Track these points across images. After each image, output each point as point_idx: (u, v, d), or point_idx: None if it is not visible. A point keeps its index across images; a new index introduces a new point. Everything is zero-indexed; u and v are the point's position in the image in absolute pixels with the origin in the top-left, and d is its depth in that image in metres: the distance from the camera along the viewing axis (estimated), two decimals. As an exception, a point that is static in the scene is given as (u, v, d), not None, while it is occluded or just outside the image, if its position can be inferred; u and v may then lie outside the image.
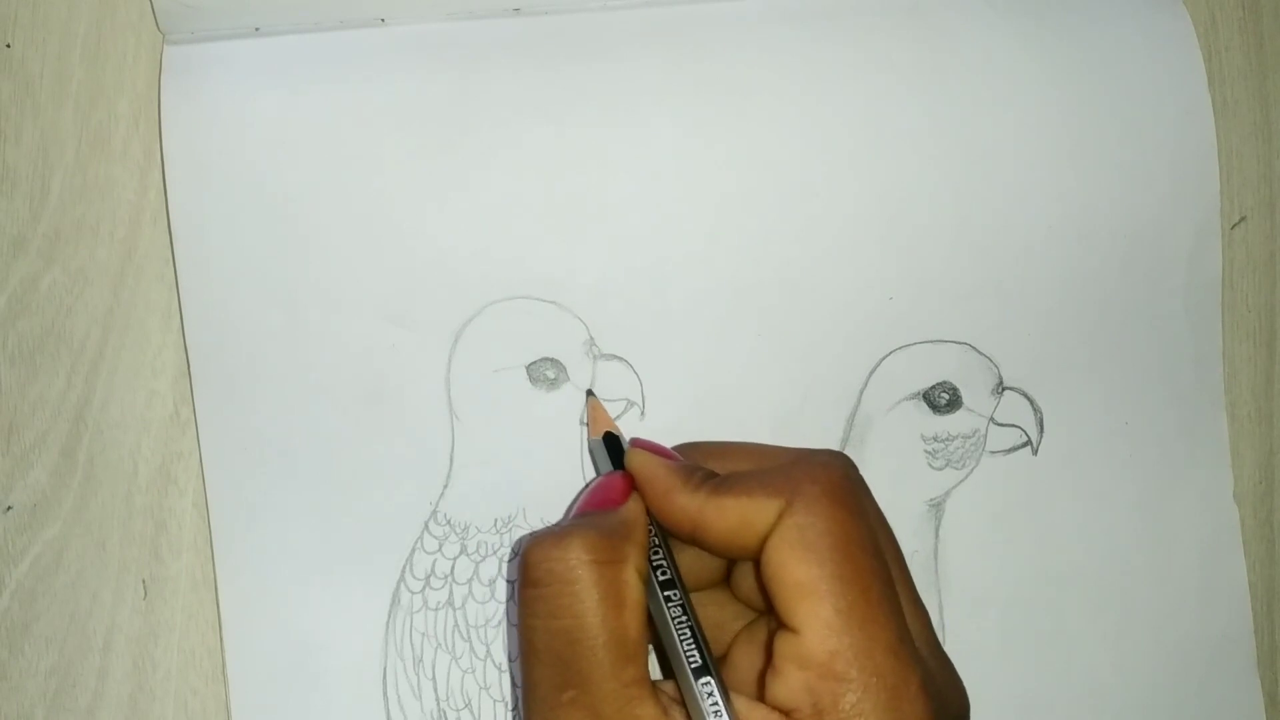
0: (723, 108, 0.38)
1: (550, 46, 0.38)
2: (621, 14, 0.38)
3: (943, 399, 0.38)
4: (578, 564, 0.28)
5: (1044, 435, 0.39)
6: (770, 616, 0.29)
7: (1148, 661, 0.39)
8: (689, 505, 0.30)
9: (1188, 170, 0.41)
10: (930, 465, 0.38)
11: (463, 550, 0.36)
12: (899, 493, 0.38)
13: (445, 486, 0.36)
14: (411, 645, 0.35)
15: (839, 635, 0.27)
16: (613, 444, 0.34)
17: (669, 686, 0.29)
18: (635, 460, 0.32)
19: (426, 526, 0.36)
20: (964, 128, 0.39)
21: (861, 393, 0.38)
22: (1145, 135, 0.41)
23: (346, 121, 0.36)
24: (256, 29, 0.37)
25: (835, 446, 0.38)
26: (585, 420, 0.36)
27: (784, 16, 0.39)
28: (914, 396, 0.38)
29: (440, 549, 0.36)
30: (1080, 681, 0.39)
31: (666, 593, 0.30)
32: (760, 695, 0.28)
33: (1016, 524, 0.39)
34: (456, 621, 0.36)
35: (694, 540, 0.30)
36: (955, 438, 0.38)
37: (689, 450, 0.33)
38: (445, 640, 0.36)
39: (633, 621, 0.28)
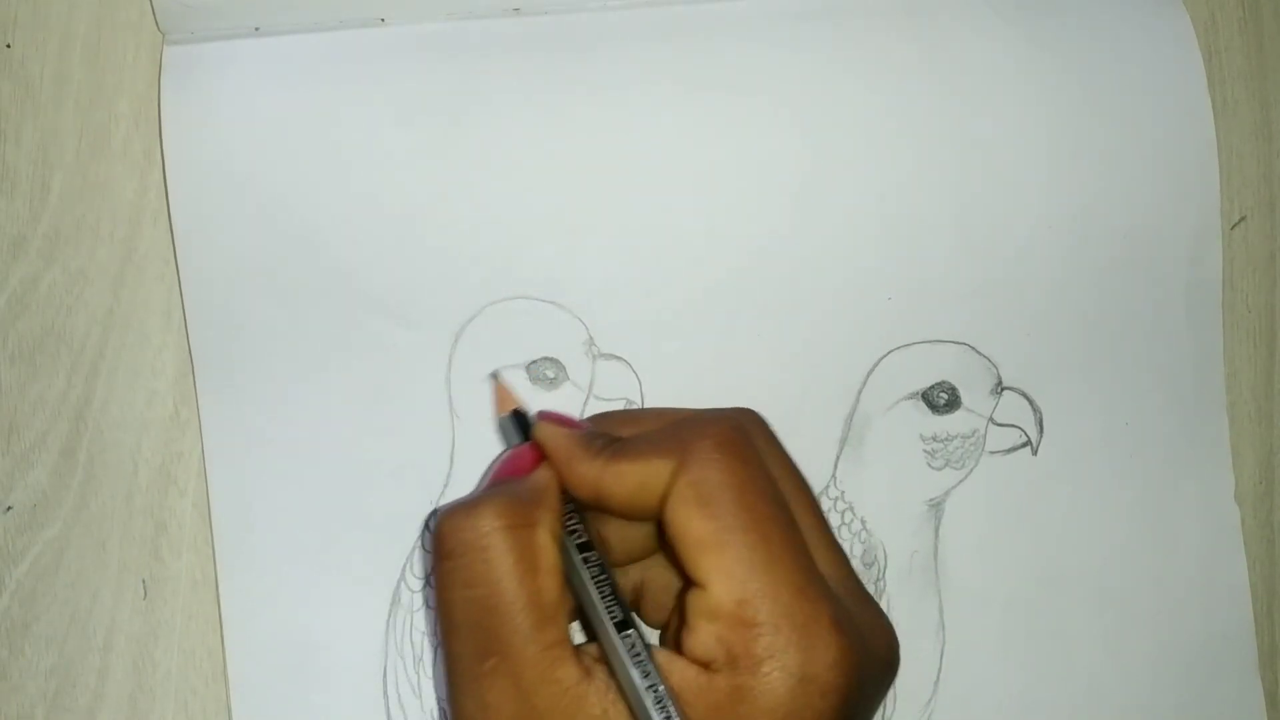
0: (723, 108, 0.38)
1: (550, 46, 0.38)
2: (621, 14, 0.38)
3: (942, 399, 0.38)
4: (489, 531, 0.28)
5: (1044, 435, 0.39)
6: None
7: (1148, 661, 0.39)
8: (589, 472, 0.30)
9: (1188, 170, 0.41)
10: (930, 465, 0.38)
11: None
12: (898, 493, 0.38)
13: (445, 486, 0.36)
14: (412, 644, 0.35)
15: (743, 583, 0.27)
16: (521, 421, 0.34)
17: (591, 648, 0.29)
18: (541, 432, 0.32)
19: (427, 525, 0.36)
20: (964, 128, 0.39)
21: (860, 392, 0.38)
22: (1145, 135, 0.41)
23: (346, 121, 0.37)
24: (256, 29, 0.37)
25: (834, 446, 0.38)
26: (493, 402, 0.36)
27: (784, 16, 0.39)
28: (913, 396, 0.38)
29: (440, 549, 0.36)
30: (1080, 681, 0.39)
31: (584, 555, 0.30)
32: (679, 637, 0.28)
33: (1016, 524, 0.39)
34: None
35: (599, 506, 0.30)
36: (954, 438, 0.38)
37: (602, 420, 0.33)
38: (445, 640, 0.36)
39: (549, 584, 0.28)
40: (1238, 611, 0.40)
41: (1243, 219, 0.42)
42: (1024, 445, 0.39)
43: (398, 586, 0.35)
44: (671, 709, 0.26)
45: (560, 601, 0.28)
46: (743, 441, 0.29)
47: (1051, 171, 0.40)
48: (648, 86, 0.38)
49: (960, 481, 0.39)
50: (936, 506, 0.38)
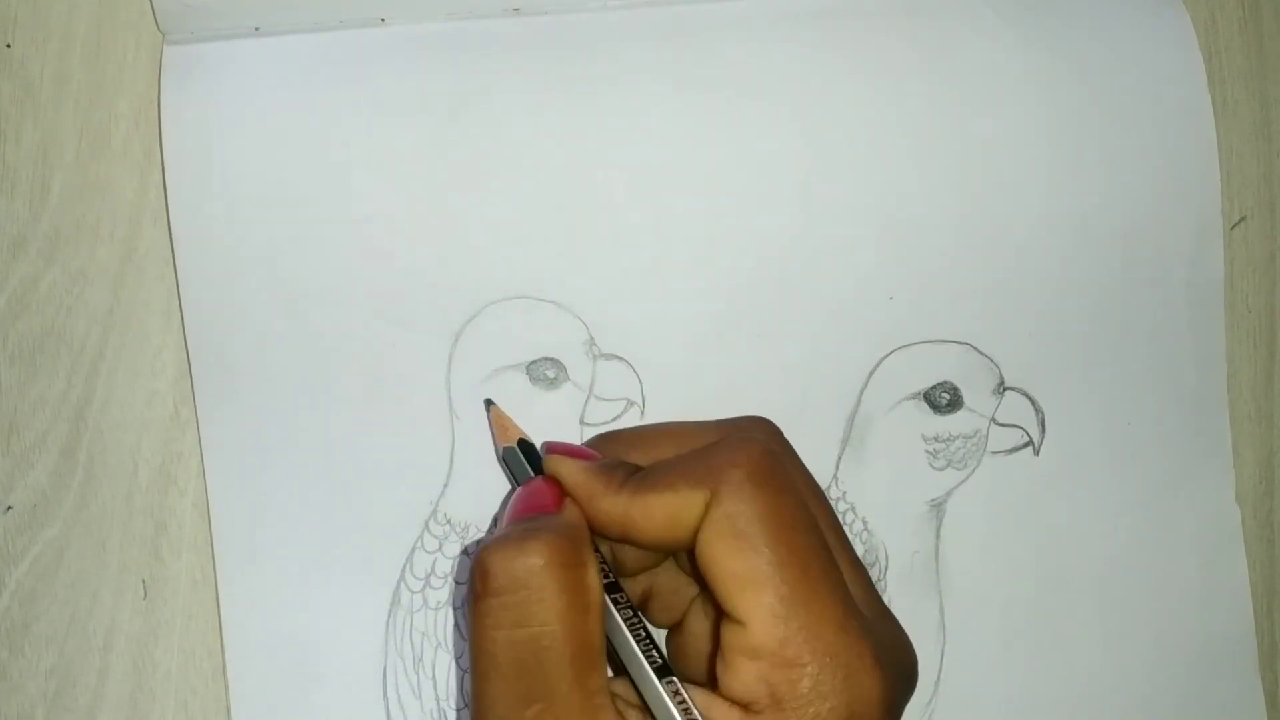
0: (722, 108, 0.38)
1: (550, 46, 0.38)
2: (621, 14, 0.38)
3: (944, 399, 0.38)
4: (543, 569, 0.27)
5: (1045, 436, 0.39)
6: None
7: (1148, 661, 0.39)
8: (614, 509, 0.29)
9: (1188, 170, 0.41)
10: (931, 465, 0.38)
11: (463, 550, 0.36)
12: (900, 493, 0.38)
13: (445, 486, 0.36)
14: (412, 645, 0.35)
15: (785, 621, 0.26)
16: (528, 451, 0.33)
17: (620, 688, 0.28)
18: (557, 466, 0.31)
19: (427, 526, 0.36)
20: (964, 128, 0.39)
21: (862, 393, 0.38)
22: (1146, 135, 0.41)
23: (346, 121, 0.36)
24: (256, 29, 0.37)
25: (836, 446, 0.38)
26: (492, 431, 0.35)
27: (784, 16, 0.39)
28: (915, 396, 0.38)
29: (440, 548, 0.36)
30: (1080, 681, 0.39)
31: (613, 595, 0.29)
32: (714, 671, 0.27)
33: (1018, 524, 0.39)
34: (457, 621, 0.36)
35: (626, 541, 0.29)
36: (956, 438, 0.38)
37: (607, 442, 0.32)
38: (445, 640, 0.36)
39: (596, 627, 0.27)
40: (1238, 612, 0.40)
41: (1243, 219, 0.42)
42: (1026, 445, 0.39)
43: (398, 586, 0.35)
44: None
45: (604, 646, 0.28)
46: (775, 469, 0.28)
47: (1052, 171, 0.40)
48: (648, 86, 0.38)
49: (962, 482, 0.39)
50: (938, 507, 0.38)
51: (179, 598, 0.35)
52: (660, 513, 0.28)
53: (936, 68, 0.40)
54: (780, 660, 0.26)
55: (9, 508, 0.35)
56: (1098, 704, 0.39)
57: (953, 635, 0.38)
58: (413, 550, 0.36)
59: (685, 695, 0.27)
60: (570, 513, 0.30)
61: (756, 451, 0.28)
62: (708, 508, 0.27)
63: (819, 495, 0.30)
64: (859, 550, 0.37)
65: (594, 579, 0.28)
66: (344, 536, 0.35)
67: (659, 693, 0.27)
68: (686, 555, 0.30)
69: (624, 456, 0.31)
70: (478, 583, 0.27)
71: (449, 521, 0.36)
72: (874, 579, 0.37)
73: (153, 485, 0.36)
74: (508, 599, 0.27)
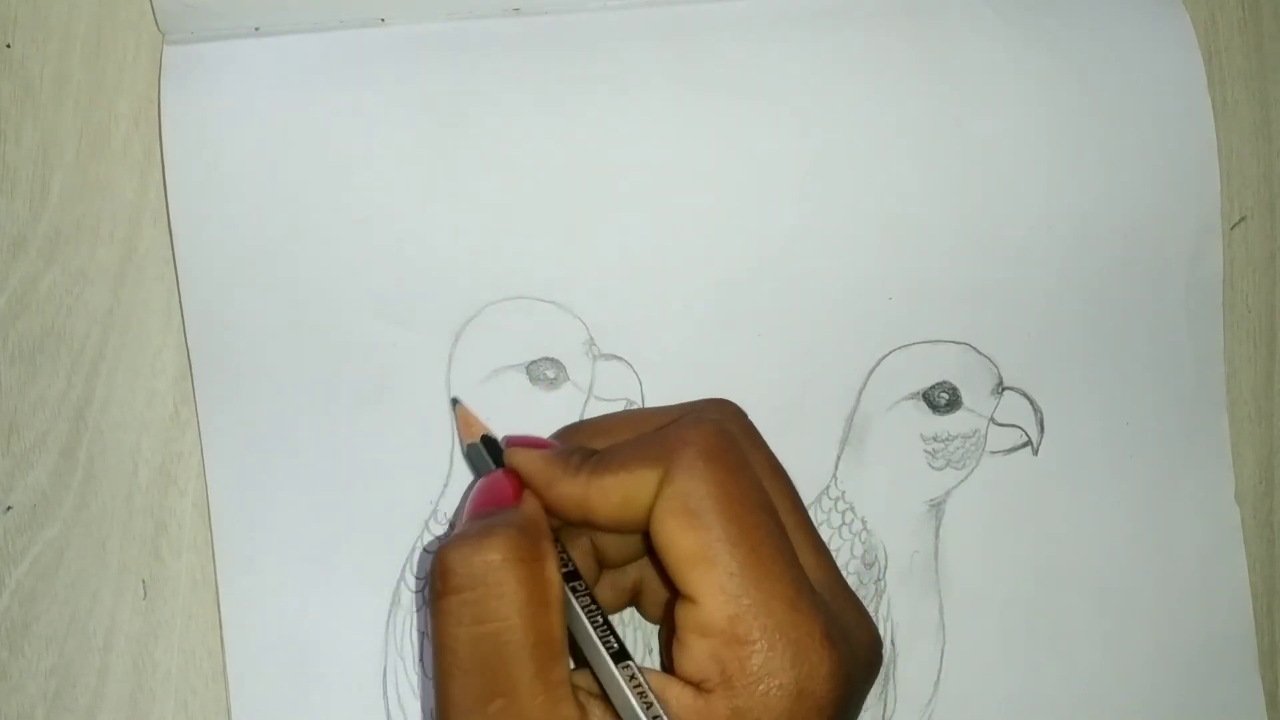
0: (722, 107, 0.38)
1: (550, 46, 0.38)
2: (621, 14, 0.38)
3: (942, 399, 0.38)
4: (502, 564, 0.27)
5: (1044, 435, 0.39)
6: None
7: (1148, 661, 0.39)
8: (573, 492, 0.29)
9: (1188, 171, 0.41)
10: (930, 465, 0.38)
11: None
12: (899, 493, 0.38)
13: (445, 485, 0.36)
14: (412, 644, 0.35)
15: (735, 599, 0.26)
16: (491, 446, 0.33)
17: (583, 680, 0.28)
18: (515, 458, 0.31)
19: (427, 525, 0.36)
20: (964, 128, 0.39)
21: (861, 392, 0.38)
22: (1145, 136, 0.41)
23: (346, 121, 0.37)
24: (256, 29, 0.37)
25: (834, 446, 0.38)
26: (458, 429, 0.36)
27: (784, 16, 0.39)
28: (914, 396, 0.38)
29: (440, 549, 0.36)
30: (1080, 682, 0.39)
31: (571, 584, 0.29)
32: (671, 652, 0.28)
33: (1017, 524, 0.39)
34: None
35: (586, 524, 0.30)
36: (955, 438, 0.38)
37: (571, 432, 0.33)
38: (445, 640, 0.36)
39: (556, 620, 0.27)
40: (1238, 611, 0.40)
41: (1243, 219, 0.42)
42: (1025, 445, 0.39)
43: (397, 586, 0.35)
44: None
45: (564, 638, 0.28)
46: (728, 447, 0.28)
47: (1052, 171, 0.40)
48: (648, 86, 0.38)
49: (961, 481, 0.39)
50: (937, 506, 0.38)
51: (179, 598, 0.35)
52: (616, 493, 0.28)
53: (936, 68, 0.40)
54: (730, 637, 0.26)
55: (9, 508, 0.35)
56: (1097, 704, 0.39)
57: (952, 635, 0.38)
58: (413, 550, 0.36)
59: (640, 677, 0.27)
60: (528, 505, 0.30)
61: (710, 430, 0.28)
62: (660, 485, 0.28)
63: (780, 476, 0.30)
64: (858, 550, 0.38)
65: (553, 572, 0.28)
66: (344, 536, 0.35)
67: (613, 675, 0.27)
68: (643, 537, 0.30)
69: (588, 445, 0.31)
70: (438, 581, 0.27)
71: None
72: (873, 579, 0.37)
73: (153, 485, 0.36)
74: (468, 595, 0.27)
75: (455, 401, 0.36)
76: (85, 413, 0.36)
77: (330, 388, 0.36)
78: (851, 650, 0.27)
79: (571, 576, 0.29)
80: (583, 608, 0.29)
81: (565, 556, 0.30)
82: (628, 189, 0.38)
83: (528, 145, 0.37)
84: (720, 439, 0.28)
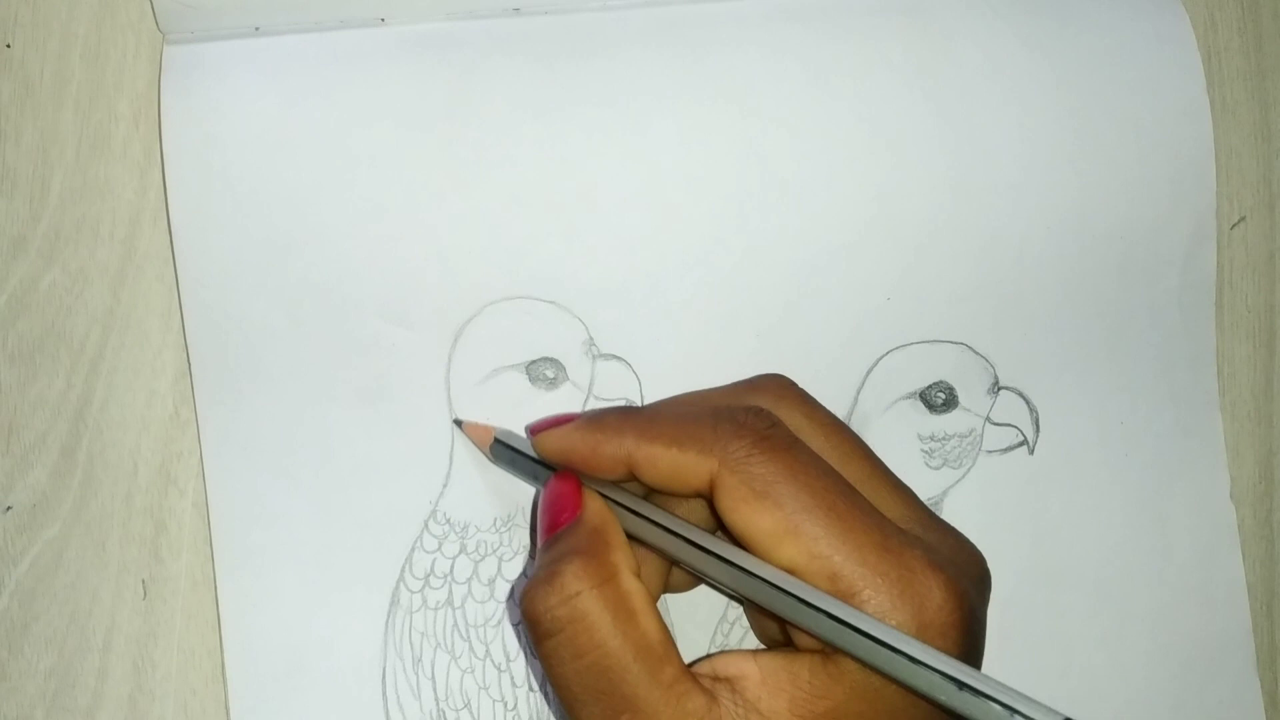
0: (722, 107, 0.38)
1: (550, 46, 0.38)
2: (621, 14, 0.38)
3: (939, 398, 0.38)
4: (578, 598, 0.28)
5: (1040, 435, 0.39)
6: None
7: (1147, 661, 0.39)
8: (619, 453, 0.30)
9: (1185, 171, 0.41)
10: (927, 465, 0.38)
11: (462, 549, 0.36)
12: (897, 492, 0.38)
13: (445, 486, 0.36)
14: (411, 645, 0.35)
15: (828, 559, 0.27)
16: (509, 441, 0.34)
17: (704, 667, 0.29)
18: (546, 444, 0.31)
19: (426, 526, 0.36)
20: (962, 128, 0.39)
21: (858, 392, 0.38)
22: (1144, 136, 0.41)
23: (346, 121, 0.37)
24: (256, 29, 0.37)
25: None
26: (478, 446, 0.36)
27: (784, 16, 0.39)
28: (910, 396, 0.38)
29: (440, 548, 0.36)
30: (1079, 682, 0.39)
31: (641, 512, 0.30)
32: (785, 631, 0.28)
33: (1013, 523, 0.39)
34: (456, 621, 0.36)
35: (632, 480, 0.30)
36: (952, 437, 0.38)
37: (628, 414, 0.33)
38: (445, 640, 0.36)
39: (650, 624, 0.28)
40: (1236, 611, 0.40)
41: (1242, 219, 0.42)
42: (1020, 444, 0.39)
43: (397, 587, 0.36)
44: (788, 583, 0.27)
45: (666, 634, 0.28)
46: (778, 435, 0.29)
47: (1050, 172, 0.40)
48: (647, 86, 0.38)
49: (957, 481, 0.39)
50: (934, 505, 0.38)
51: (178, 598, 0.35)
52: (666, 465, 0.29)
53: (935, 68, 0.40)
54: (836, 594, 0.27)
55: (9, 508, 0.35)
56: (1095, 703, 0.39)
57: (951, 635, 0.38)
58: (412, 550, 0.36)
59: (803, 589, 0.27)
60: (590, 513, 0.30)
61: (762, 429, 0.29)
62: (720, 475, 0.28)
63: (842, 431, 0.31)
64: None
65: (629, 581, 0.29)
66: (343, 536, 0.35)
67: (719, 552, 0.28)
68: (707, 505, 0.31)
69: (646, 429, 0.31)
70: (530, 630, 0.29)
71: (448, 521, 0.36)
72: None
73: (152, 485, 0.36)
74: (561, 638, 0.28)
75: (458, 423, 0.36)
76: (85, 412, 0.36)
77: (330, 388, 0.36)
78: (959, 570, 0.28)
79: (636, 509, 0.30)
80: (675, 530, 0.29)
81: (624, 494, 0.31)
82: (628, 189, 0.38)
83: (528, 145, 0.37)
84: (770, 430, 0.29)
